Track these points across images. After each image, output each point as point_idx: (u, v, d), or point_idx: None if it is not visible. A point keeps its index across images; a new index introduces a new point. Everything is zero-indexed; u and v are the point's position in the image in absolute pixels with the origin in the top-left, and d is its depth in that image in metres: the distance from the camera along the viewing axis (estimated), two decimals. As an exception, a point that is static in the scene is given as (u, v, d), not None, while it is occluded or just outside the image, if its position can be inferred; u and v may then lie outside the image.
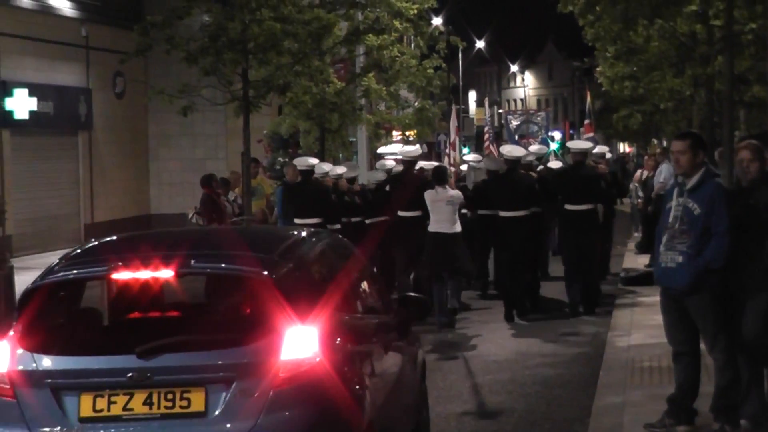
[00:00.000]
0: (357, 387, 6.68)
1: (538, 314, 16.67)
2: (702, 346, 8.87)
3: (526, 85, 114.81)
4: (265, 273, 6.62)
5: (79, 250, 7.35)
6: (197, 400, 6.32)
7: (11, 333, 6.60)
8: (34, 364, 6.46)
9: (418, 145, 20.69)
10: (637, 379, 11.07)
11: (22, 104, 29.08)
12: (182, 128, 34.04)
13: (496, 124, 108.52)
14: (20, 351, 6.50)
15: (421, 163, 18.76)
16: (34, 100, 29.30)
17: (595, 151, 19.88)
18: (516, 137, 60.69)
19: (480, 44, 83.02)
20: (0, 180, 28.35)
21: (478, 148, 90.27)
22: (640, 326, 14.08)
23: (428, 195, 16.04)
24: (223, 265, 6.89)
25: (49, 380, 6.40)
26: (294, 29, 19.47)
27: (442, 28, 29.82)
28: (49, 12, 31.23)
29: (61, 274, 6.90)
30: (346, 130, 28.86)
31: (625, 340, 13.36)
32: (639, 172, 26.78)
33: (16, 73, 29.50)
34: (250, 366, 6.34)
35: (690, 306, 8.68)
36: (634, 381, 10.98)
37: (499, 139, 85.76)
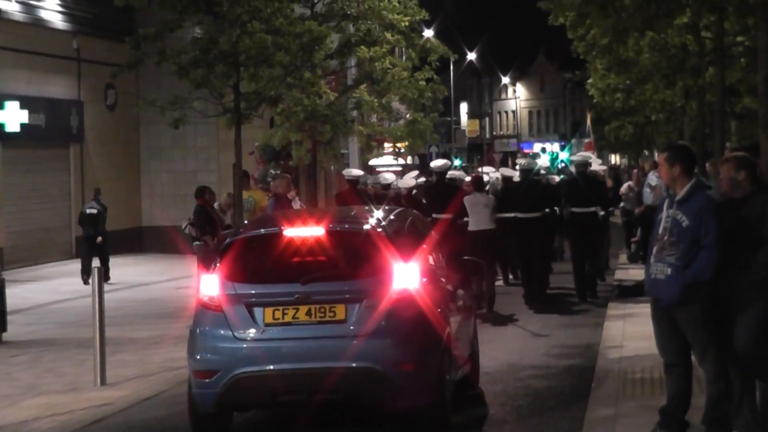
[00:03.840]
0: (440, 309, 10.21)
1: (548, 300, 19.86)
2: (693, 357, 8.87)
3: (517, 97, 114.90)
4: (380, 230, 10.32)
5: (257, 219, 12.59)
6: (340, 312, 9.78)
7: (217, 270, 10.08)
8: (234, 289, 9.96)
9: (446, 160, 22.58)
10: (629, 390, 11.07)
11: (13, 117, 29.09)
12: (174, 140, 34.04)
13: (487, 135, 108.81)
14: (224, 281, 10.01)
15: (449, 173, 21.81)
16: (26, 112, 29.32)
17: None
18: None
19: (471, 56, 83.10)
20: (-9, 193, 28.34)
21: (470, 159, 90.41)
22: (632, 338, 14.08)
23: (467, 200, 19.36)
24: (349, 225, 10.79)
25: (244, 299, 9.90)
26: (285, 42, 19.48)
27: (433, 40, 29.78)
28: (40, 25, 31.25)
29: (251, 231, 10.80)
30: (338, 142, 28.89)
31: (617, 352, 13.36)
32: (627, 184, 26.94)
33: (7, 85, 29.51)
34: (373, 291, 9.84)
35: (679, 318, 8.69)
36: (626, 392, 10.98)
37: (492, 150, 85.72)
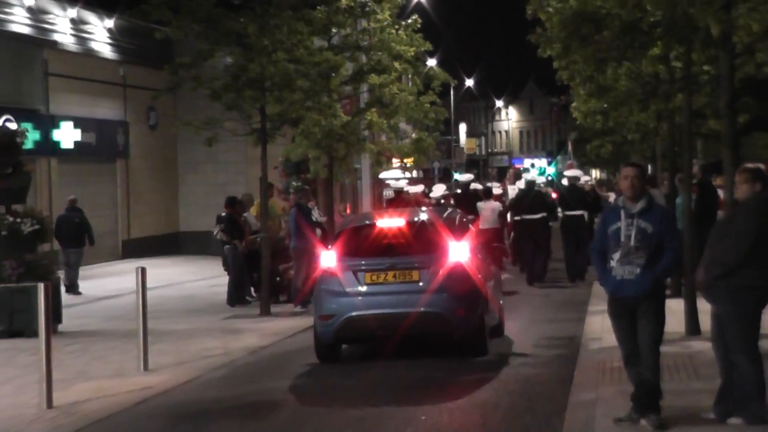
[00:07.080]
0: (481, 274, 13.34)
1: (547, 282, 22.73)
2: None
3: (509, 118, 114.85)
4: (442, 220, 13.70)
5: (358, 216, 17.07)
6: (415, 276, 13.00)
7: (333, 248, 13.41)
8: (345, 261, 13.20)
9: (471, 174, 26.95)
10: (608, 377, 11.08)
11: (67, 135, 29.22)
12: (207, 156, 34.05)
13: (483, 152, 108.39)
14: (339, 255, 13.26)
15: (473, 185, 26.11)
16: (79, 131, 29.43)
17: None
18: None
19: (469, 82, 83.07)
20: (48, 202, 28.39)
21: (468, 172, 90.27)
22: (610, 331, 13.82)
23: (479, 205, 23.27)
24: (420, 218, 13.93)
25: (352, 267, 13.13)
26: (306, 70, 19.48)
27: (436, 68, 29.73)
28: (91, 54, 31.37)
29: (356, 223, 14.25)
30: (352, 158, 28.86)
31: (597, 343, 13.36)
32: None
33: (62, 108, 29.62)
34: (437, 262, 13.00)
35: (640, 309, 8.83)
36: (605, 379, 10.99)
37: (487, 165, 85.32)
